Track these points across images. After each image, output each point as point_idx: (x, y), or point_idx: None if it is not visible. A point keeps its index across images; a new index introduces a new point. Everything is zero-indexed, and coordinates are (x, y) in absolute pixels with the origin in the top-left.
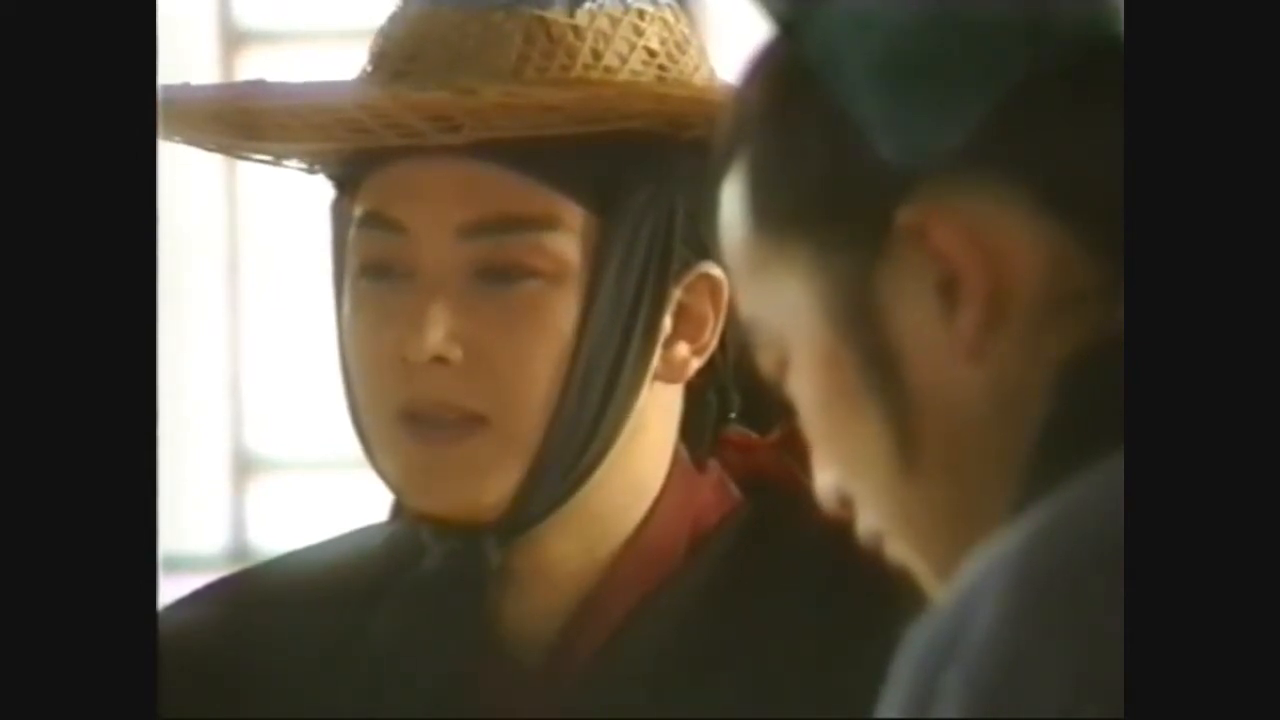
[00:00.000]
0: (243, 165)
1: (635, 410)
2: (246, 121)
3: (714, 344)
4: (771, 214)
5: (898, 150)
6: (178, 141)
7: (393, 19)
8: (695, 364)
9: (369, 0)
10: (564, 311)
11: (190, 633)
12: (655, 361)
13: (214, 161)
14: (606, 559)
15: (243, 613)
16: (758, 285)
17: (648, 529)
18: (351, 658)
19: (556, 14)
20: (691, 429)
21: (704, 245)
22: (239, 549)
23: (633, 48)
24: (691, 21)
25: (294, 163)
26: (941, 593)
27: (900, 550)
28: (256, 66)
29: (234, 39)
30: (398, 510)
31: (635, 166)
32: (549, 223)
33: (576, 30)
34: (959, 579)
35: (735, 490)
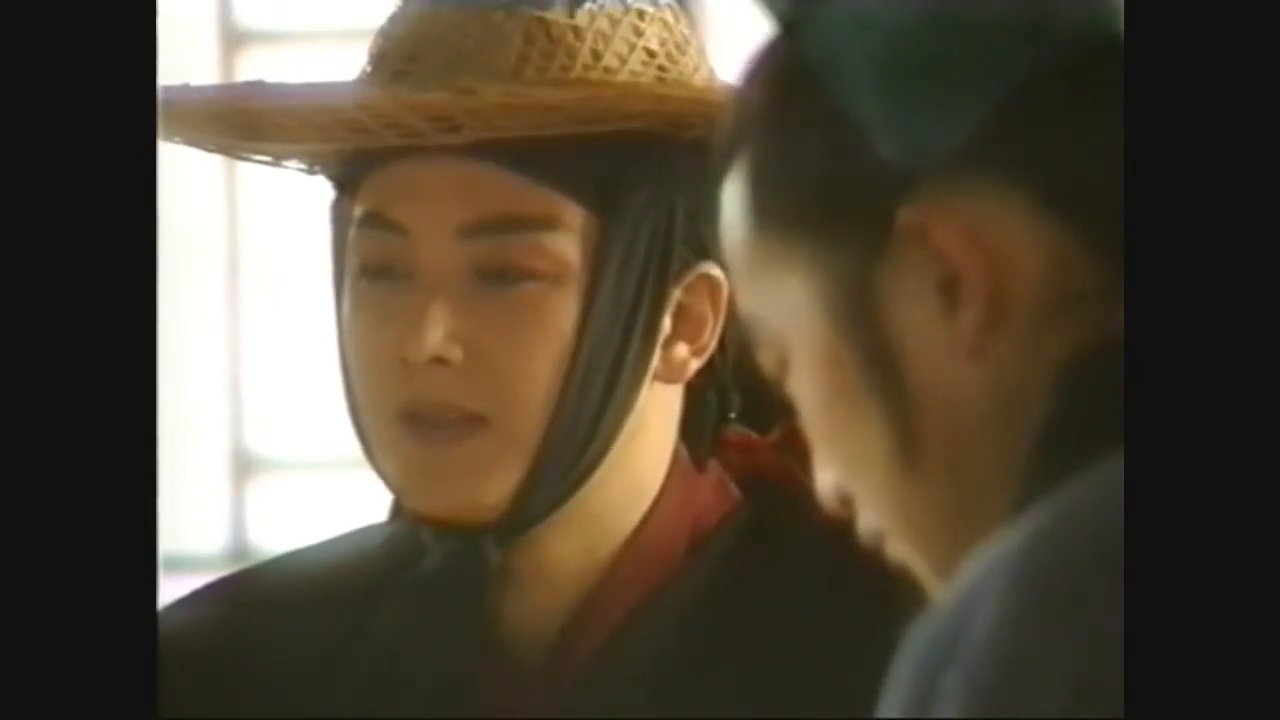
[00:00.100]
0: (243, 165)
1: (635, 410)
2: (246, 122)
3: (713, 344)
4: (772, 213)
5: (898, 150)
6: (178, 142)
7: (393, 19)
8: (695, 364)
9: (369, 0)
10: (564, 312)
11: (190, 633)
12: (655, 362)
13: (214, 161)
14: (606, 559)
15: (242, 613)
16: (758, 284)
17: (647, 529)
18: (351, 658)
19: (556, 14)
20: (691, 429)
21: (704, 245)
22: (239, 549)
23: (632, 48)
24: (691, 22)
25: (294, 163)
26: (942, 592)
27: (901, 549)
28: (256, 66)
29: (234, 39)
30: (397, 510)
31: (635, 167)
32: (549, 223)
33: (576, 31)
34: (959, 579)
35: (735, 490)
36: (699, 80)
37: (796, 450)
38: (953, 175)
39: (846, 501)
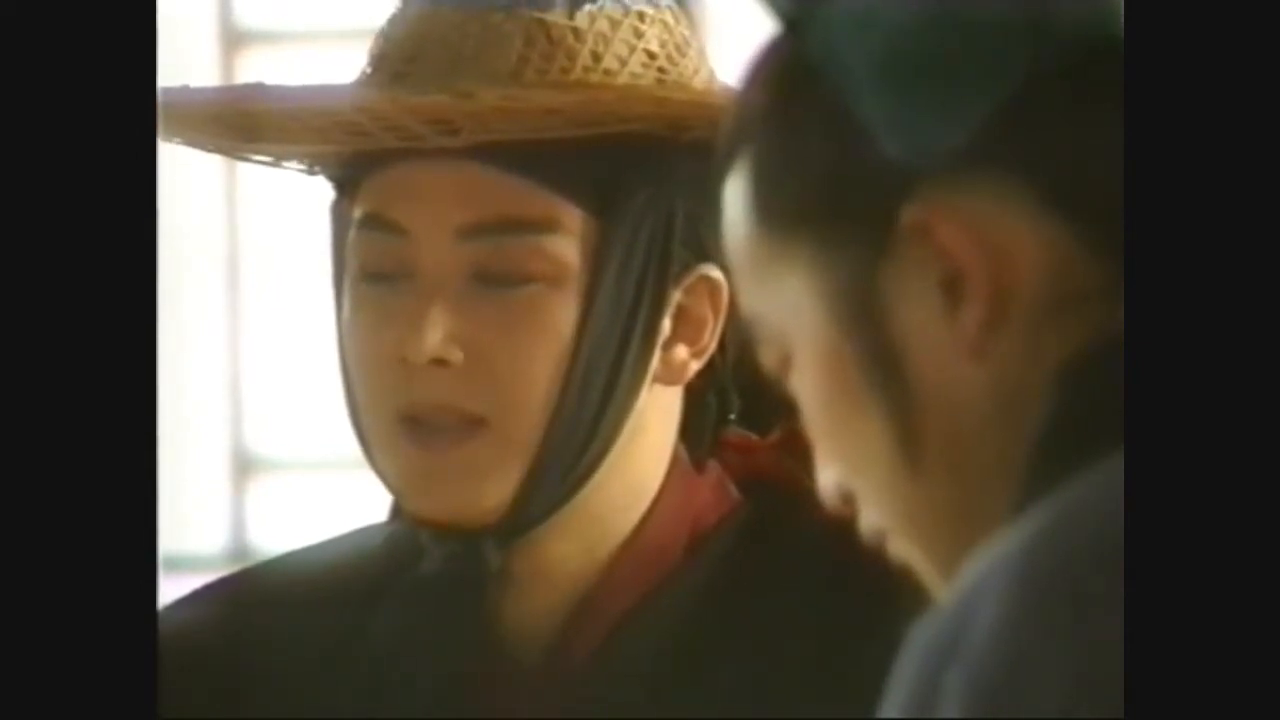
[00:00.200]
0: (243, 165)
1: (634, 412)
2: (246, 124)
3: (713, 346)
4: (775, 211)
5: (901, 149)
6: (177, 142)
7: (392, 20)
8: (694, 366)
9: (369, 0)
10: (563, 314)
11: (190, 632)
12: (654, 364)
13: (214, 161)
14: (606, 559)
15: (242, 612)
16: (761, 283)
17: (646, 529)
18: (351, 658)
19: (556, 16)
20: (691, 430)
21: (703, 247)
22: (239, 549)
23: (632, 50)
24: (692, 23)
25: (294, 164)
26: (943, 592)
27: (903, 548)
28: (256, 67)
29: (234, 39)
30: (397, 510)
31: (635, 169)
32: (548, 225)
33: (576, 32)
34: (960, 578)
35: (734, 491)
36: (699, 82)
37: (796, 451)
38: (955, 174)
39: (848, 500)
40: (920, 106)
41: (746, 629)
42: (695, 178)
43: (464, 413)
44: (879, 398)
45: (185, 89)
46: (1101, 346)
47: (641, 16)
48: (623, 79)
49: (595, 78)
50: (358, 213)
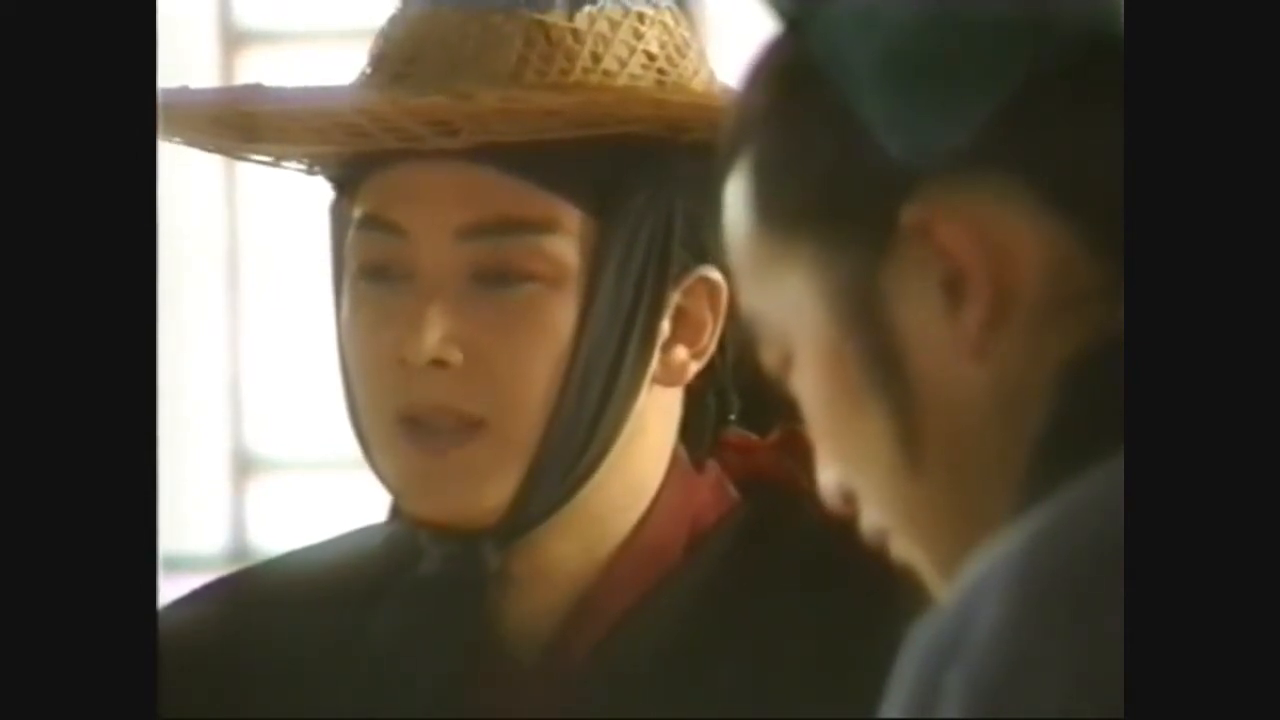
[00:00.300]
0: (243, 165)
1: (634, 413)
2: (245, 125)
3: (713, 347)
4: (776, 210)
5: (902, 148)
6: (178, 142)
7: (393, 20)
8: (694, 367)
9: (369, 0)
10: (562, 315)
11: (189, 632)
12: (653, 365)
13: (214, 161)
14: (605, 559)
15: (241, 612)
16: (762, 282)
17: (645, 529)
18: (350, 658)
19: (556, 17)
20: (691, 431)
21: (703, 249)
22: (239, 549)
23: (632, 51)
24: (692, 24)
25: (293, 164)
26: (944, 592)
27: (904, 548)
28: (256, 67)
29: (234, 39)
30: (396, 511)
31: (634, 170)
32: (547, 226)
33: (576, 34)
34: (961, 578)
35: (733, 491)
36: (699, 83)
37: (795, 451)
38: (956, 174)
39: (849, 499)
40: (921, 106)
41: (745, 629)
42: (695, 179)
43: (463, 414)
44: (880, 397)
45: (185, 90)
46: (1102, 346)
47: (641, 18)
48: (622, 80)
49: (594, 79)
50: (357, 213)
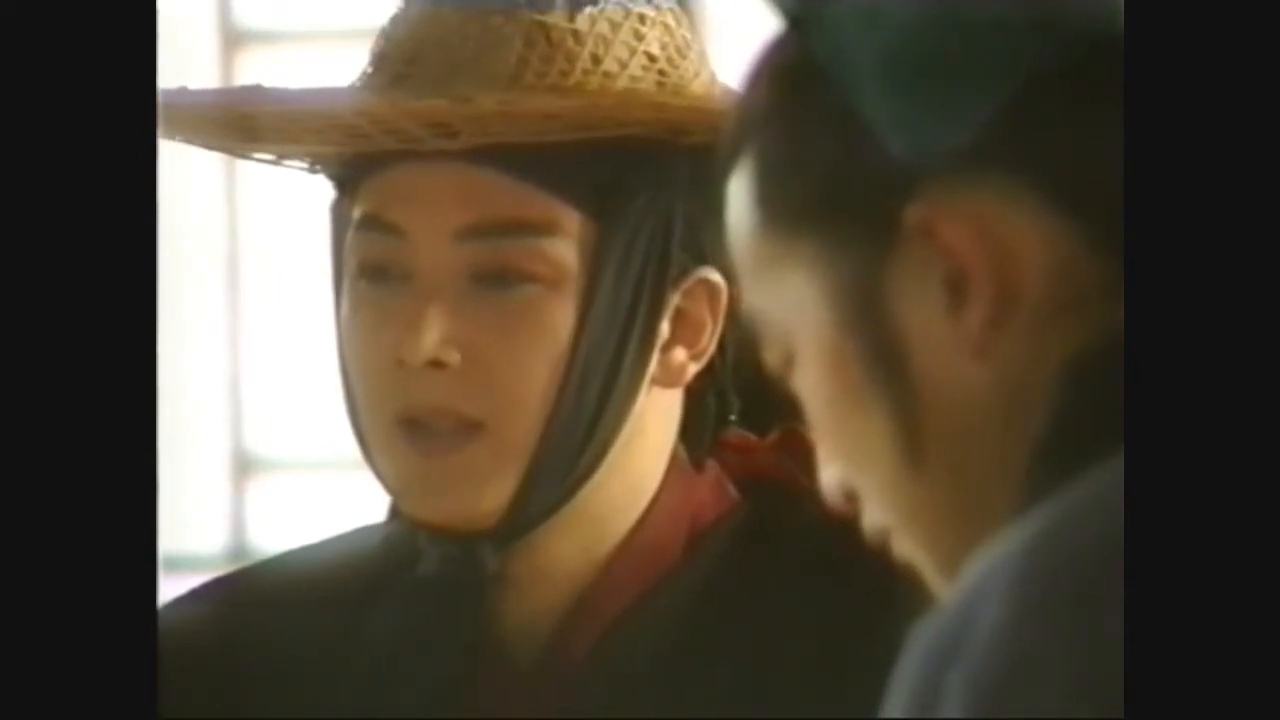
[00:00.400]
0: (243, 165)
1: (633, 415)
2: (245, 126)
3: (712, 349)
4: (778, 209)
5: (905, 148)
6: (178, 140)
7: (394, 20)
8: (693, 369)
9: (369, 1)
10: (561, 316)
11: (187, 631)
12: (652, 366)
13: (214, 161)
14: (604, 559)
15: (238, 612)
16: (764, 281)
17: (644, 528)
18: (348, 658)
19: (557, 18)
20: (690, 431)
21: (702, 250)
22: (239, 549)
23: (633, 52)
24: (693, 25)
25: (295, 162)
26: (946, 591)
27: (906, 547)
28: (256, 67)
29: (234, 39)
30: (395, 511)
31: (634, 172)
32: (547, 228)
33: (576, 35)
34: (963, 578)
35: (733, 490)
36: (699, 85)
37: (795, 452)
38: (959, 173)
39: (851, 497)
40: (923, 105)
41: (744, 628)
42: (694, 181)
43: (461, 415)
44: (882, 396)
45: (185, 91)
46: (1104, 346)
47: (642, 19)
48: (622, 82)
49: (595, 80)
50: (357, 213)
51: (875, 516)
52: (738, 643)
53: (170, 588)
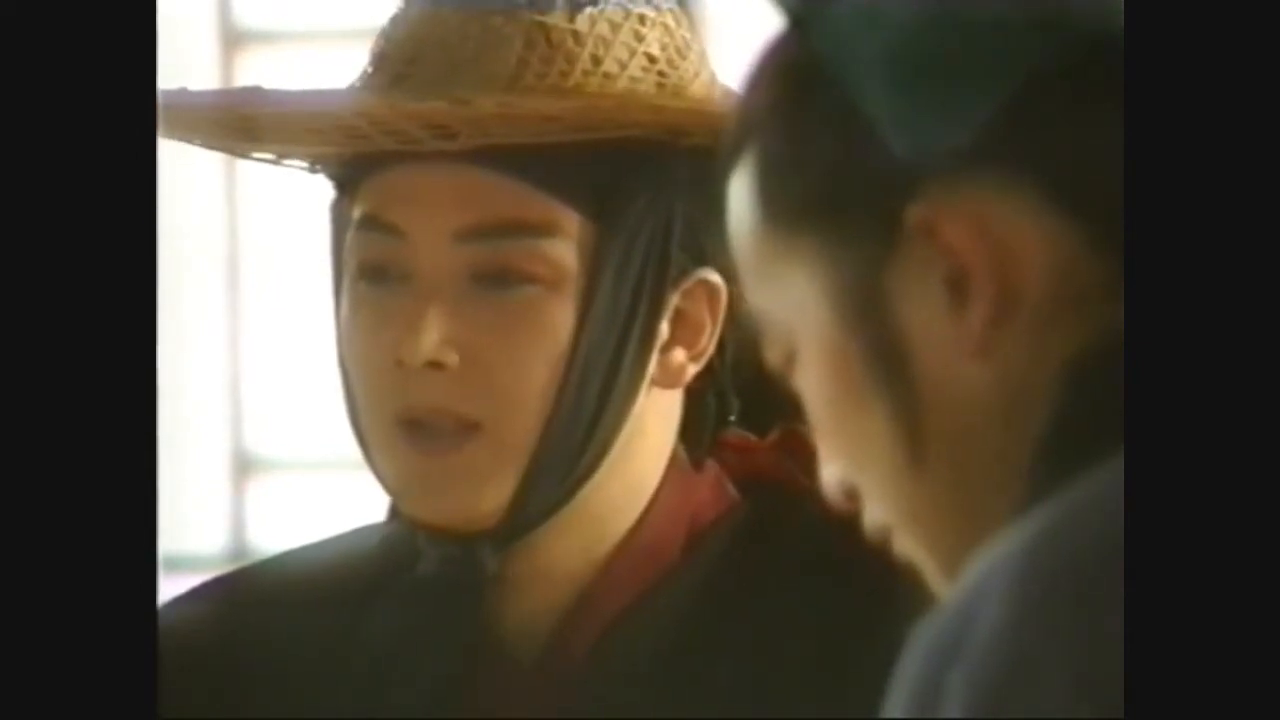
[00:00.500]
0: (243, 164)
1: (632, 416)
2: (244, 127)
3: (712, 349)
4: (780, 208)
5: (907, 147)
6: (178, 139)
7: (394, 20)
8: (692, 370)
9: (369, 1)
10: (561, 317)
11: (186, 630)
12: (652, 367)
13: (214, 161)
14: (603, 558)
15: (237, 611)
16: (766, 280)
17: (643, 528)
18: (347, 658)
19: (557, 19)
20: (690, 431)
21: (702, 252)
22: (239, 549)
23: (633, 53)
24: (693, 26)
25: (295, 162)
26: (947, 591)
27: (907, 545)
28: (256, 67)
29: (234, 39)
30: (395, 511)
31: (633, 173)
32: (547, 229)
33: (576, 36)
34: (964, 577)
35: (732, 490)
36: (699, 86)
37: (794, 452)
38: (961, 173)
39: (852, 495)
40: (925, 105)
41: (744, 628)
42: (694, 182)
43: (459, 416)
44: (883, 395)
45: (184, 92)
46: (1105, 346)
47: (642, 19)
48: (622, 83)
49: (594, 81)
50: (356, 213)
51: (876, 515)
52: (738, 642)
53: (170, 588)
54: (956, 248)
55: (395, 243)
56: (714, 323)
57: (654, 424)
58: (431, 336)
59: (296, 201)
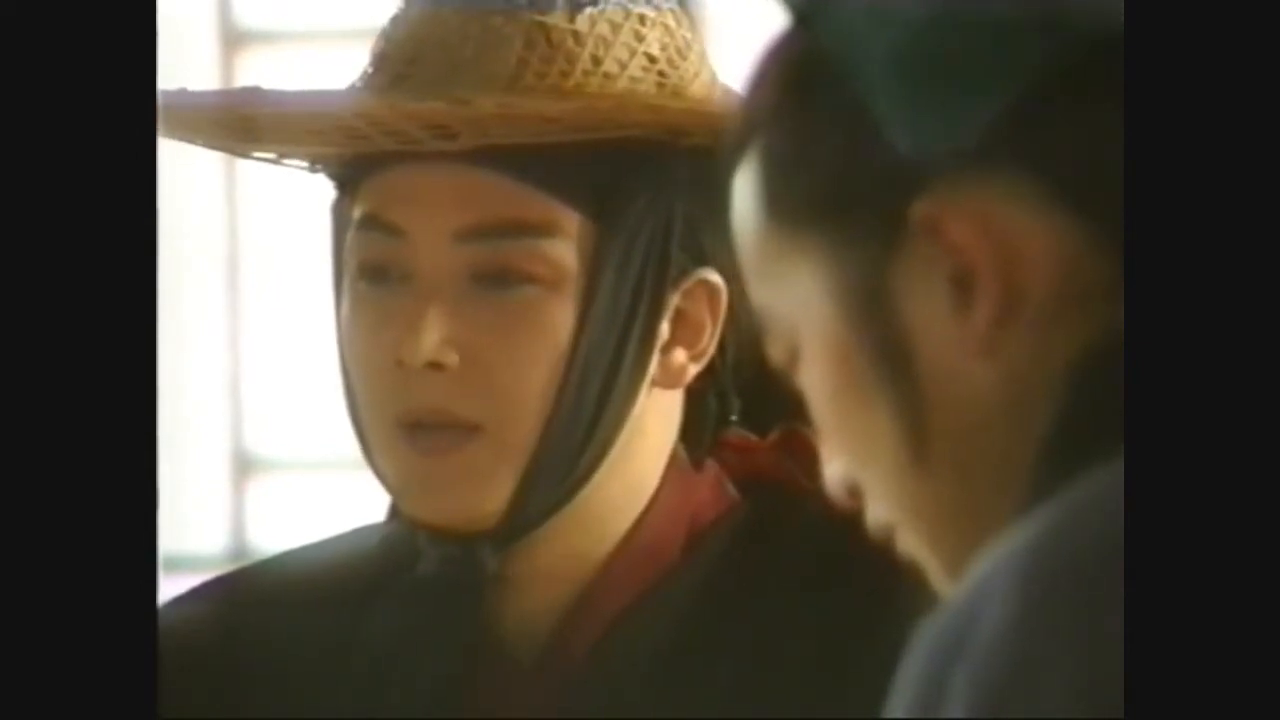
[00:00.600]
0: (243, 164)
1: (632, 416)
2: (244, 127)
3: (712, 350)
4: (785, 205)
5: (912, 145)
6: (178, 138)
7: (394, 20)
8: (693, 370)
9: (369, 1)
10: (561, 318)
11: (186, 630)
12: (652, 368)
13: (214, 161)
14: (603, 558)
15: (237, 611)
16: (770, 277)
17: (643, 528)
18: (347, 658)
19: (557, 19)
20: (691, 431)
21: (702, 252)
22: (239, 549)
23: (633, 54)
24: (694, 25)
25: (295, 162)
26: (950, 590)
27: (910, 543)
28: (256, 67)
29: (234, 39)
30: (395, 510)
31: (633, 173)
32: (547, 229)
33: (576, 36)
34: (967, 577)
35: (732, 490)
36: (699, 86)
37: (795, 452)
38: (966, 171)
39: (855, 492)
40: (930, 103)
41: (744, 628)
42: (694, 182)
43: (459, 417)
44: (887, 393)
45: (184, 92)
46: (1109, 345)
47: (643, 19)
48: (622, 83)
49: (595, 81)
50: (357, 213)
51: (879, 513)
52: (738, 642)
53: (170, 588)
54: (961, 246)
55: (395, 243)
56: (714, 323)
57: (654, 424)
58: (432, 337)
59: (296, 201)
